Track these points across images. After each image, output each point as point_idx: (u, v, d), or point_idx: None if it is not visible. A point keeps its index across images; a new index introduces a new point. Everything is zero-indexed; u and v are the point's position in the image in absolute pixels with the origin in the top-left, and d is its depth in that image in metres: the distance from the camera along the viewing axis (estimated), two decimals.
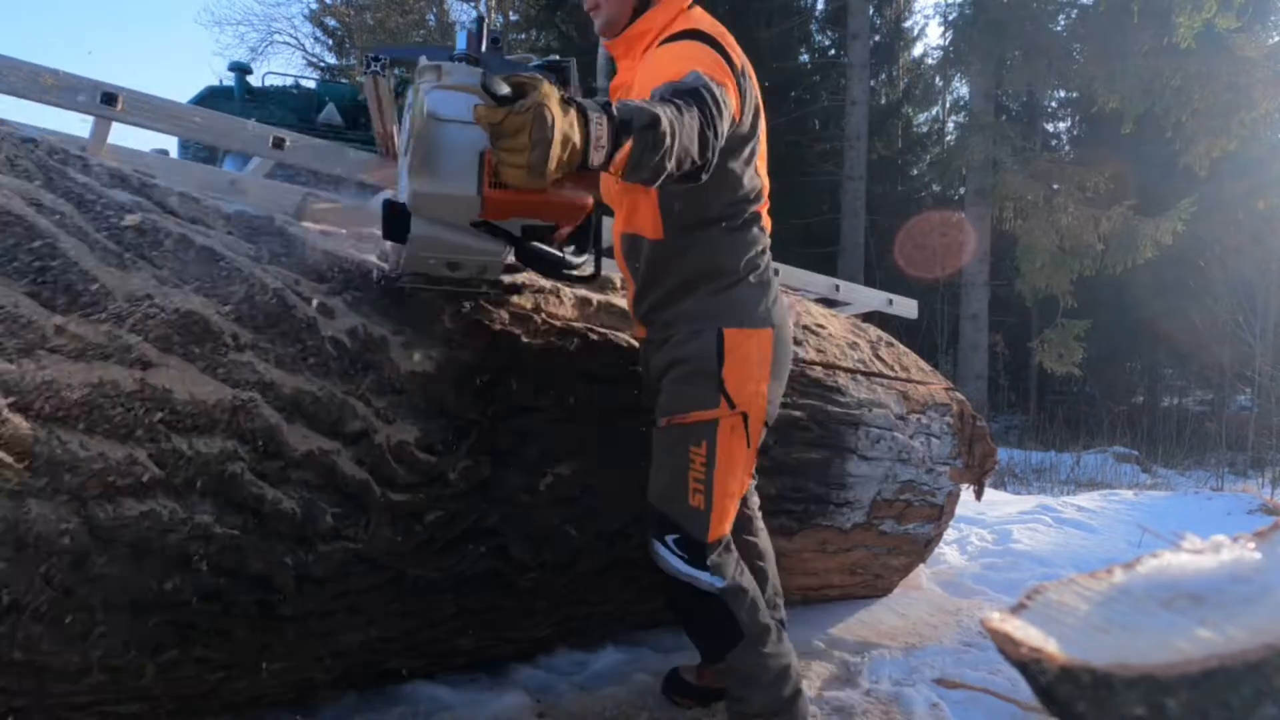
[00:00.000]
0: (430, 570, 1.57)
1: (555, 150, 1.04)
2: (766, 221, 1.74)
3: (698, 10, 1.64)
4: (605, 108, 1.12)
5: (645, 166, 1.18)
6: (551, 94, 1.05)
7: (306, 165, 2.33)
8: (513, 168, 1.05)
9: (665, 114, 1.17)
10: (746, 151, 1.61)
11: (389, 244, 1.44)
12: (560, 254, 1.38)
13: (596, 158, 1.11)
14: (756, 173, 1.67)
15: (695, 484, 1.58)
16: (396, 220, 1.31)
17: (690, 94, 1.28)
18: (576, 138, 1.08)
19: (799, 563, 2.45)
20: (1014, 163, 11.01)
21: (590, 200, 1.26)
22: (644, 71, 1.50)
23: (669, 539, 1.59)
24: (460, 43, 1.32)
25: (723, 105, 1.33)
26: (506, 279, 1.53)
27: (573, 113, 1.08)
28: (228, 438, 1.24)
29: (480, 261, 1.43)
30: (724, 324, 1.61)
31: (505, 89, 1.03)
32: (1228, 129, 9.75)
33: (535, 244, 1.35)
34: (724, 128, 1.35)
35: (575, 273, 1.42)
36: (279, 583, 1.31)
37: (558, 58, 1.29)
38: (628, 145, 1.13)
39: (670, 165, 1.21)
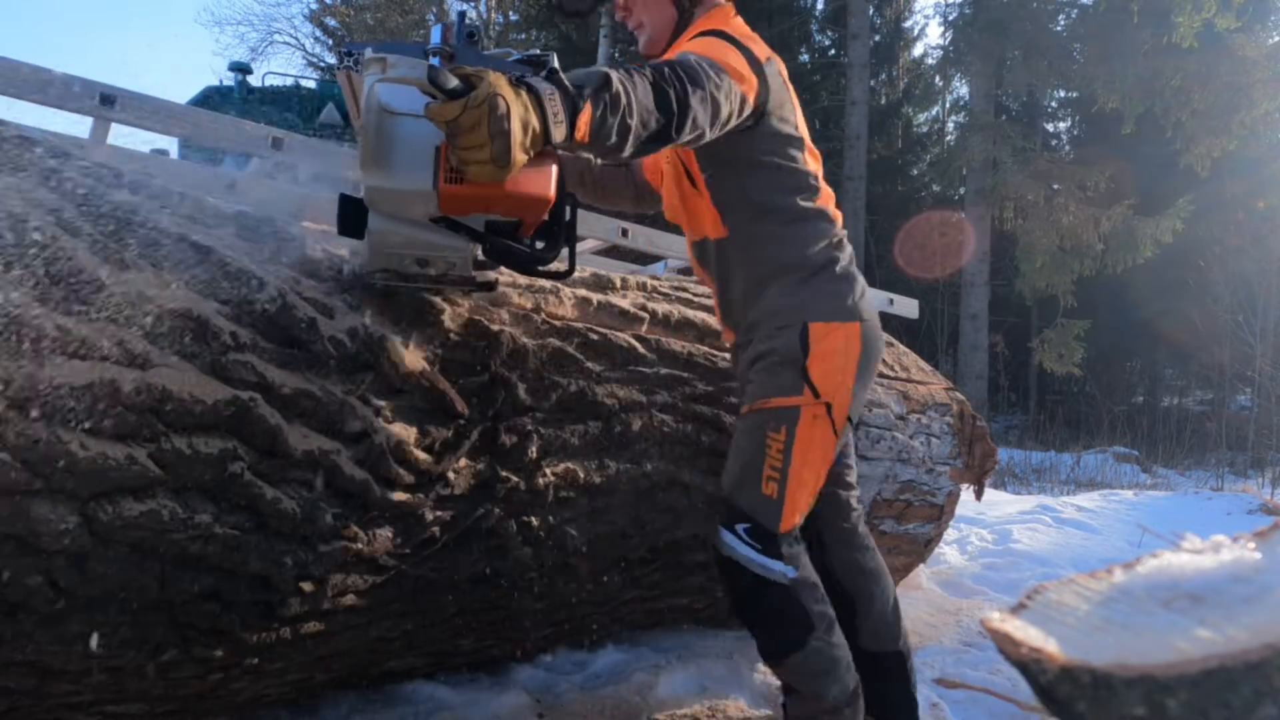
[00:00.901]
0: (430, 570, 1.57)
1: (516, 138, 1.02)
2: (835, 215, 1.71)
3: (725, 15, 1.63)
4: (552, 76, 1.10)
5: (610, 129, 1.15)
6: (500, 81, 1.02)
7: (306, 165, 2.33)
8: (477, 164, 1.03)
9: (614, 74, 1.16)
10: (780, 143, 1.60)
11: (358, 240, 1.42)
12: (530, 249, 1.34)
13: (558, 133, 1.09)
14: (805, 165, 1.65)
15: (770, 471, 1.56)
16: (352, 215, 1.27)
17: (659, 64, 1.26)
18: (534, 120, 1.05)
19: None
20: (1014, 163, 11.02)
21: (551, 193, 1.20)
22: None
23: (739, 528, 1.56)
24: (434, 36, 1.27)
25: (700, 74, 1.29)
26: (481, 276, 1.53)
27: (524, 94, 1.05)
28: (228, 438, 1.24)
29: (447, 258, 1.40)
30: (809, 318, 1.60)
31: (454, 82, 1.00)
32: (1228, 129, 9.77)
33: (502, 239, 1.32)
34: (710, 95, 1.30)
35: (548, 268, 1.38)
36: (279, 583, 1.31)
37: (539, 52, 1.27)
38: (587, 110, 1.11)
39: (634, 123, 1.18)
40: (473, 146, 1.01)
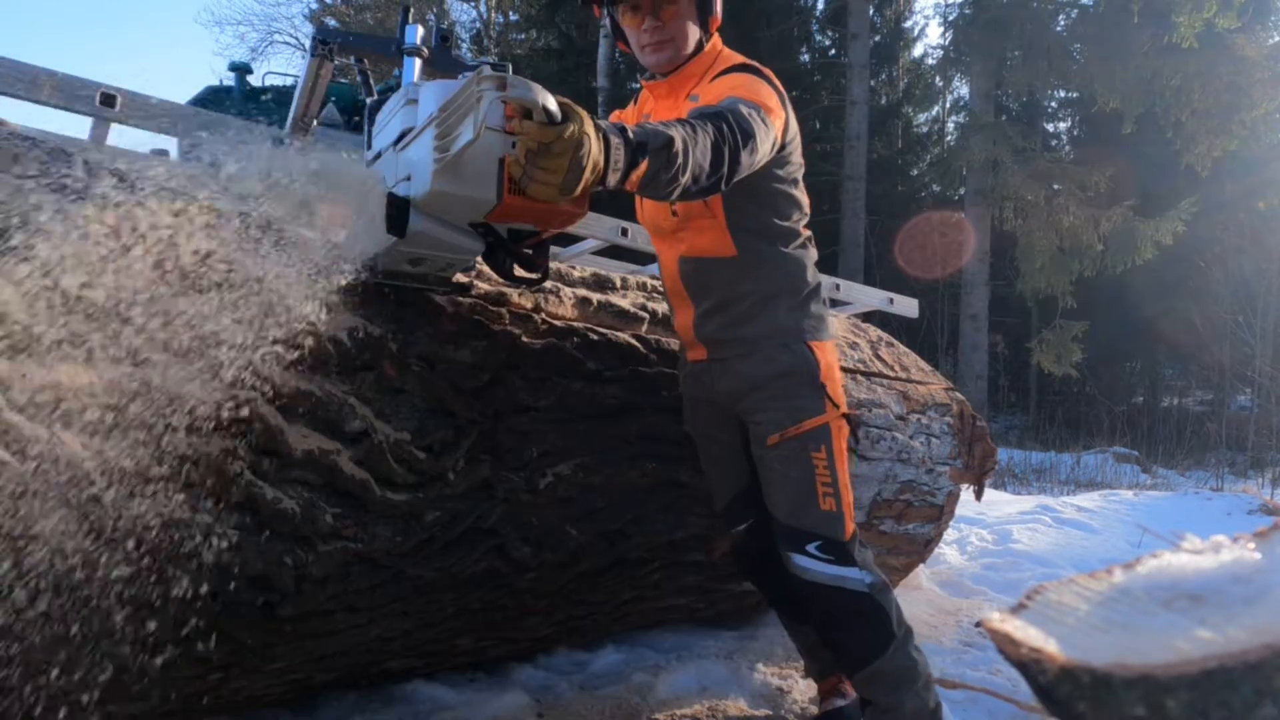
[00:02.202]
0: (430, 570, 1.57)
1: (586, 174, 1.12)
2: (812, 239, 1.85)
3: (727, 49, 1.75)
4: (622, 133, 1.20)
5: (659, 183, 1.26)
6: (589, 120, 1.12)
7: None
8: (545, 185, 1.12)
9: (679, 135, 1.26)
10: (793, 169, 1.71)
11: (343, 237, 1.44)
12: (528, 257, 1.42)
13: (613, 179, 1.19)
14: (804, 193, 1.78)
15: (824, 488, 1.63)
16: (397, 215, 1.30)
17: (713, 116, 1.36)
18: (601, 161, 1.16)
19: None
20: (1014, 163, 11.01)
21: (587, 209, 1.30)
22: (704, 104, 1.58)
23: (810, 548, 1.61)
24: (410, 36, 1.31)
25: (752, 125, 1.40)
26: (459, 277, 1.57)
27: (602, 139, 1.15)
28: (228, 438, 1.24)
29: (451, 259, 1.44)
30: (809, 338, 1.71)
31: (558, 111, 1.09)
32: (1228, 129, 9.76)
33: (513, 246, 1.39)
34: (758, 144, 1.41)
35: (530, 275, 1.46)
36: (279, 583, 1.31)
37: (495, 60, 1.31)
38: (644, 166, 1.21)
39: (685, 180, 1.29)
40: (551, 170, 1.10)
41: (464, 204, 1.24)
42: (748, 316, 1.70)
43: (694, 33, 1.67)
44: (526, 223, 1.34)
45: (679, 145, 1.25)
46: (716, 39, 1.72)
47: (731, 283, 1.70)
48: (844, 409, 1.70)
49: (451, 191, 1.22)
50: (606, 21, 1.79)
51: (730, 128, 1.35)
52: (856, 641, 1.63)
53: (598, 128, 1.15)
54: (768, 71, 1.66)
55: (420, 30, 1.34)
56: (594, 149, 1.12)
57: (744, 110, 1.41)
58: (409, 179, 1.30)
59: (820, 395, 1.67)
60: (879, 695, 1.61)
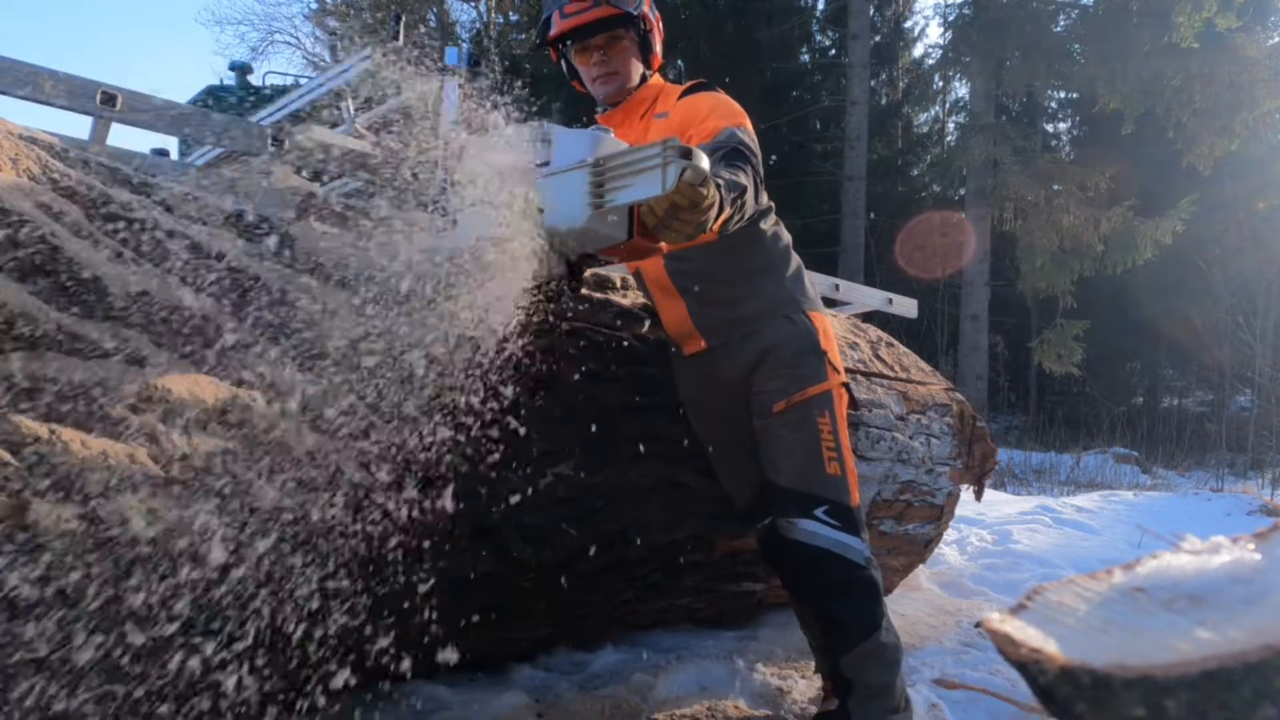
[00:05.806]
0: (430, 570, 1.56)
1: (708, 225, 1.28)
2: None
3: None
4: (720, 188, 1.32)
5: (731, 223, 1.42)
6: (711, 181, 1.25)
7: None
8: (678, 233, 1.26)
9: (750, 183, 1.43)
10: None
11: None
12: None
13: (712, 226, 1.32)
14: None
15: (829, 452, 1.68)
16: (574, 268, 1.45)
17: (737, 155, 1.50)
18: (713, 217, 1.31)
19: None
20: (1014, 163, 11.02)
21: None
22: (682, 121, 1.71)
23: (818, 512, 1.63)
24: (450, 58, 1.42)
25: (757, 149, 1.57)
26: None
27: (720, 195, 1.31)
28: (228, 437, 1.23)
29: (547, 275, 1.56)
30: (806, 308, 1.80)
31: (709, 176, 1.23)
32: (1230, 128, 9.77)
33: (584, 266, 1.50)
34: (760, 160, 1.56)
35: (575, 290, 1.57)
36: (279, 584, 1.30)
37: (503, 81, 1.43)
38: (727, 212, 1.35)
39: (746, 218, 1.47)
40: (689, 222, 1.24)
41: (597, 239, 1.36)
42: (743, 296, 1.77)
43: (637, 68, 1.83)
44: (622, 256, 1.45)
45: (749, 195, 1.42)
46: (657, 75, 1.89)
47: (719, 265, 1.75)
48: (843, 376, 1.76)
49: (596, 229, 1.34)
50: (563, 64, 1.90)
51: (754, 167, 1.50)
52: (856, 616, 1.62)
53: (717, 186, 1.28)
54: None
55: (458, 52, 1.49)
56: (716, 209, 1.27)
57: (745, 139, 1.56)
58: (540, 210, 1.40)
59: (823, 362, 1.73)
60: (874, 675, 1.60)
